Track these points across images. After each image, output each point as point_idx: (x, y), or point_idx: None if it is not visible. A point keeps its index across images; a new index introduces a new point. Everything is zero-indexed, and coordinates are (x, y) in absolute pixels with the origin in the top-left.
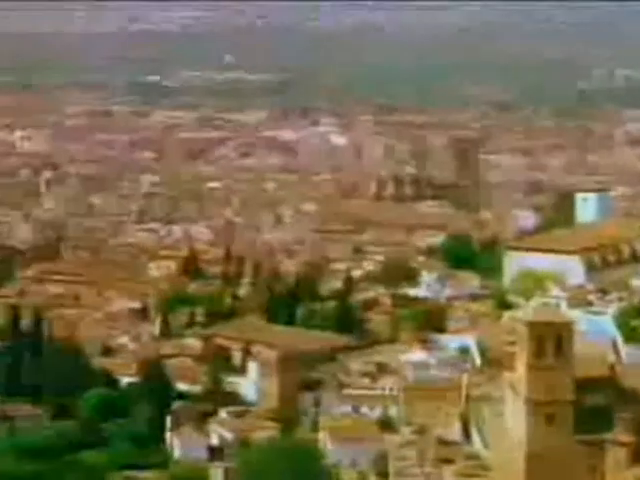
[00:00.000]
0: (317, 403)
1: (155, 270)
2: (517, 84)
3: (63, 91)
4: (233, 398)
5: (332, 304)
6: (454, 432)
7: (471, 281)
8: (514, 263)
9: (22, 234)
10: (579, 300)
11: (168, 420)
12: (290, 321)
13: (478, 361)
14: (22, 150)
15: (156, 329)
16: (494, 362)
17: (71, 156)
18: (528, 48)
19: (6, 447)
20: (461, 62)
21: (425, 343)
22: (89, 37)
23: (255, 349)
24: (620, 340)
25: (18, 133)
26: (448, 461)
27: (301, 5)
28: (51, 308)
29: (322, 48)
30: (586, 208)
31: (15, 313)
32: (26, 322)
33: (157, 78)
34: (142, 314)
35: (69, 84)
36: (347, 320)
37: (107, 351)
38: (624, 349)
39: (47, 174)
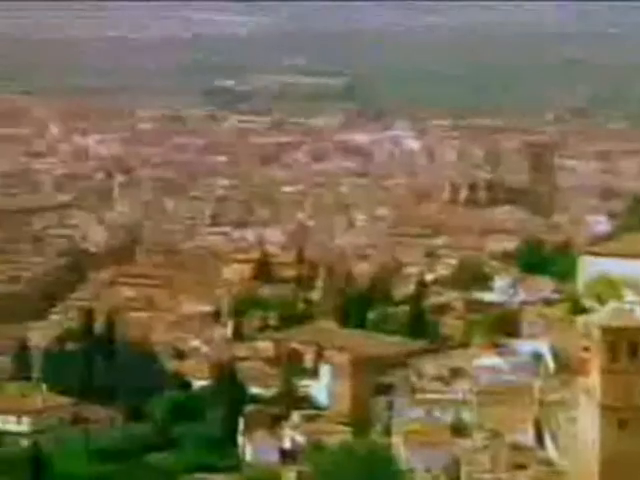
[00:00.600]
0: (389, 407)
1: (228, 273)
2: (588, 88)
3: (137, 95)
4: (305, 401)
5: (405, 308)
6: (527, 437)
7: (545, 286)
8: (589, 268)
9: (96, 237)
10: None
11: (240, 423)
12: (362, 325)
13: (551, 366)
14: (96, 154)
15: (229, 332)
16: (568, 367)
17: (145, 160)
18: (591, 51)
19: (79, 449)
20: (527, 65)
21: (498, 348)
22: (156, 42)
23: (327, 353)
24: None
25: (92, 137)
26: (521, 466)
27: (368, 7)
28: (124, 311)
29: (392, 51)
30: None
31: (89, 316)
32: (99, 325)
33: (231, 83)
34: (215, 317)
35: (142, 88)
36: (420, 324)
37: (180, 354)
38: None
39: (121, 178)
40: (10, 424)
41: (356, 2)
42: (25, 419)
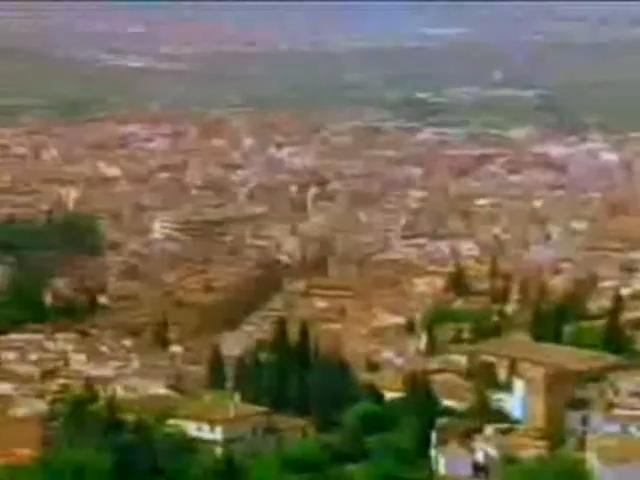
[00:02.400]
0: (584, 422)
1: (421, 286)
2: None
3: (330, 108)
4: (498, 415)
5: (600, 323)
6: None
7: None
8: None
9: (289, 248)
10: None
11: (433, 435)
12: (557, 339)
13: None
14: (291, 166)
15: (421, 344)
16: None
17: (339, 172)
18: None
19: (271, 458)
20: None
21: None
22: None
23: (521, 366)
24: None
25: (287, 149)
26: None
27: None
28: (317, 322)
29: (592, 63)
30: None
31: (282, 326)
32: (293, 335)
33: (426, 95)
34: (408, 329)
35: (340, 99)
36: (615, 339)
37: (372, 366)
38: None
39: (314, 190)
40: (204, 432)
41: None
42: (218, 428)
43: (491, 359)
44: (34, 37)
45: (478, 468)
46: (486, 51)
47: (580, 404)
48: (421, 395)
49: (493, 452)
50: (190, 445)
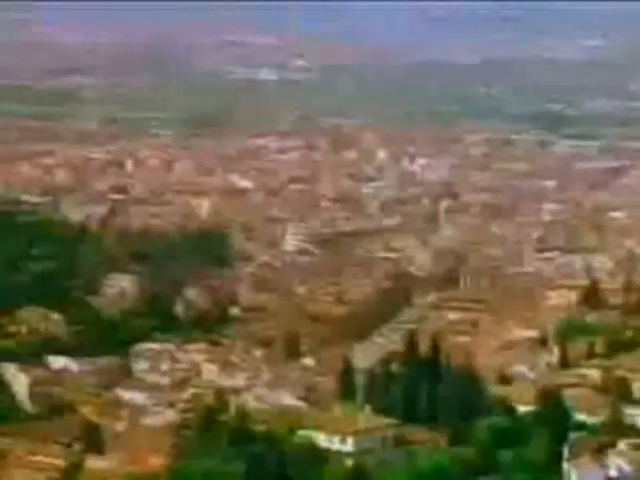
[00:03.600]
0: None
1: (554, 299)
2: None
3: (461, 120)
4: (633, 430)
5: None
6: None
7: None
8: None
9: (421, 261)
10: None
11: (565, 450)
12: None
13: None
14: (423, 179)
15: (554, 358)
16: None
17: (471, 184)
18: None
19: (402, 470)
20: None
21: None
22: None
23: None
24: None
25: (420, 162)
26: None
27: None
28: (449, 335)
29: None
30: None
31: (413, 339)
32: (424, 348)
33: (561, 107)
34: (541, 343)
35: (466, 113)
36: None
37: (504, 379)
38: None
39: (446, 202)
40: (334, 444)
41: None
42: (349, 439)
43: (626, 374)
44: (164, 48)
45: None
46: (621, 62)
47: None
48: (554, 409)
49: (627, 467)
50: (320, 456)
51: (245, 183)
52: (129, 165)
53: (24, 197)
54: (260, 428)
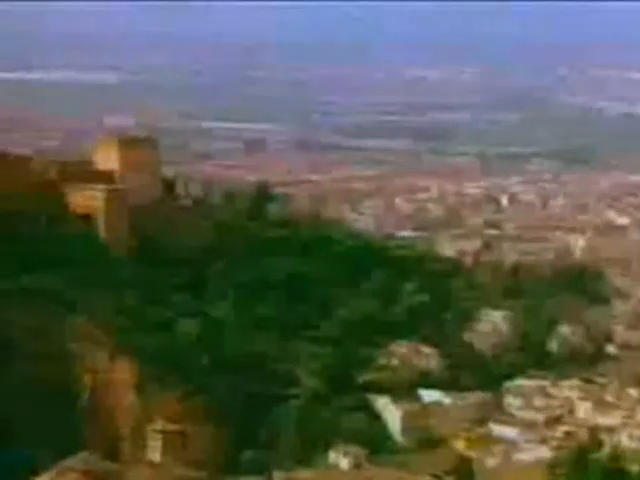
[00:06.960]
0: None
1: None
2: None
3: None
4: None
5: None
6: None
7: None
8: None
9: None
10: None
11: None
12: None
13: None
14: None
15: None
16: None
17: None
18: None
19: None
20: None
21: None
22: None
23: None
24: None
25: None
26: None
27: None
28: None
29: None
30: None
31: None
32: None
33: None
34: None
35: None
36: None
37: None
38: None
39: None
40: None
41: None
42: None
43: None
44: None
45: None
46: None
47: None
48: None
49: None
50: None
51: (622, 220)
52: (504, 200)
53: (398, 232)
54: (634, 468)
